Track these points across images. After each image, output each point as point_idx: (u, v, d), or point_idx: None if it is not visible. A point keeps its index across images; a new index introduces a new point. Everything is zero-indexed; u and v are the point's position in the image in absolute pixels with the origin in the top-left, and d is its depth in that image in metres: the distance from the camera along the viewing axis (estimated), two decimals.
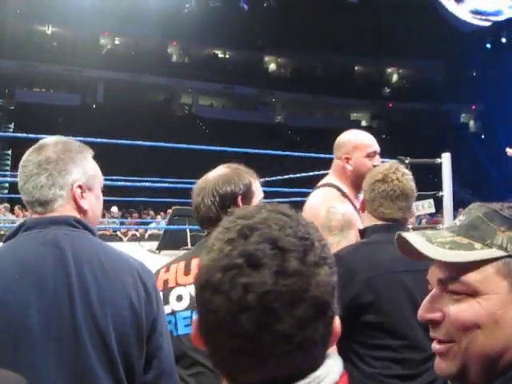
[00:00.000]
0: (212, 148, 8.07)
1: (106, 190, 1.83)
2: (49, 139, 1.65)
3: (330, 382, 0.79)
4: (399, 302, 2.08)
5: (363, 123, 39.71)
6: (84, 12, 29.61)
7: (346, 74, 38.79)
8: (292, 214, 0.83)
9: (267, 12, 33.09)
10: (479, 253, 0.91)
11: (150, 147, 12.16)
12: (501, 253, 0.90)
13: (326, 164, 5.61)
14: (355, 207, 2.78)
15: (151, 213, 17.98)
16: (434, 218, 14.66)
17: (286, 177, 7.31)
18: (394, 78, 41.59)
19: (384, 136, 29.42)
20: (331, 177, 2.98)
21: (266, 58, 39.36)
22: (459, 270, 0.91)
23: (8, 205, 14.52)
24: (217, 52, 38.19)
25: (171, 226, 9.76)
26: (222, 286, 0.76)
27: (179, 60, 36.81)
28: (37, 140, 1.67)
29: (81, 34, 31.94)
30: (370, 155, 2.88)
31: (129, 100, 32.42)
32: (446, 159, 4.43)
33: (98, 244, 1.56)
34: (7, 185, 20.39)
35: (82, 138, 3.06)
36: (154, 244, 11.22)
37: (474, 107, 38.76)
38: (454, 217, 4.22)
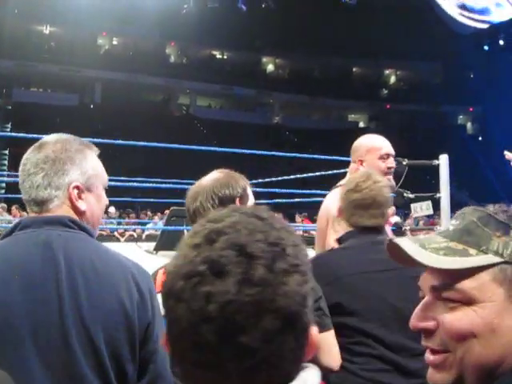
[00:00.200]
0: (209, 149, 8.05)
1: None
2: (50, 137, 1.62)
3: None
4: (370, 301, 2.15)
5: (361, 125, 39.75)
6: (82, 12, 29.55)
7: (343, 76, 38.80)
8: (267, 217, 0.79)
9: (265, 13, 33.05)
10: (475, 259, 0.87)
11: (147, 147, 12.14)
12: (497, 259, 0.87)
13: (324, 165, 5.63)
14: None
15: (148, 213, 17.98)
16: (431, 220, 14.68)
17: (283, 178, 7.30)
18: (392, 79, 41.62)
19: None
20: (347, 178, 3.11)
21: (264, 59, 39.36)
22: (454, 276, 0.88)
23: (5, 205, 14.48)
24: (215, 53, 38.18)
25: (168, 227, 9.75)
26: (183, 295, 0.72)
27: (177, 60, 36.78)
28: (34, 140, 1.64)
29: (79, 34, 31.90)
30: (382, 157, 3.03)
31: (126, 100, 32.39)
32: (443, 161, 4.43)
33: (92, 245, 1.52)
34: (4, 185, 20.32)
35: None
36: (152, 245, 11.20)
37: (471, 109, 38.81)
38: None
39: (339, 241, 2.40)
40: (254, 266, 0.71)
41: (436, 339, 0.89)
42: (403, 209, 8.08)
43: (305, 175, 6.56)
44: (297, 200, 7.66)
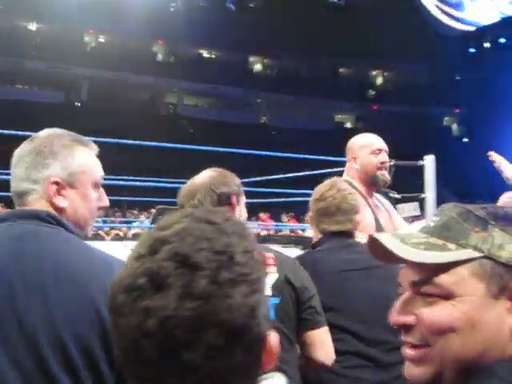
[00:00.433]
0: (196, 148, 8.04)
1: None
2: (44, 131, 1.60)
3: None
4: (347, 298, 2.22)
5: (348, 125, 39.85)
6: (69, 9, 29.32)
7: (331, 76, 38.86)
8: (220, 221, 0.75)
9: (254, 12, 33.07)
10: (454, 254, 0.88)
11: (133, 146, 12.09)
12: (476, 254, 0.87)
13: (310, 164, 5.63)
14: (367, 202, 3.03)
15: (135, 212, 17.88)
16: (416, 221, 14.73)
17: (271, 177, 7.30)
18: (379, 80, 41.74)
19: None
20: (345, 176, 3.20)
21: (252, 59, 39.31)
22: (433, 271, 0.88)
23: None
24: (203, 52, 38.07)
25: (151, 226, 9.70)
26: (124, 309, 0.70)
27: (165, 59, 36.62)
28: (20, 137, 1.64)
29: (65, 31, 31.62)
30: (374, 152, 3.11)
31: (113, 98, 32.19)
32: (428, 161, 4.45)
33: (69, 241, 1.47)
34: None
35: None
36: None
37: (457, 111, 39.03)
38: None
39: (313, 247, 2.51)
40: (196, 277, 0.68)
41: (416, 334, 0.89)
42: None
43: (292, 175, 6.58)
44: (283, 200, 7.66)
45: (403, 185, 3.39)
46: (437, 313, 0.87)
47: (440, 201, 4.30)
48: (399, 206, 4.38)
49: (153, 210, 11.76)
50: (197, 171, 2.24)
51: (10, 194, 1.55)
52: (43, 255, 1.39)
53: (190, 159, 17.81)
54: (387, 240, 0.92)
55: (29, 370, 1.29)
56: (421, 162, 4.48)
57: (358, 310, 2.21)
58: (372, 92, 40.54)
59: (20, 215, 1.47)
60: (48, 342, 1.31)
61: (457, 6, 29.26)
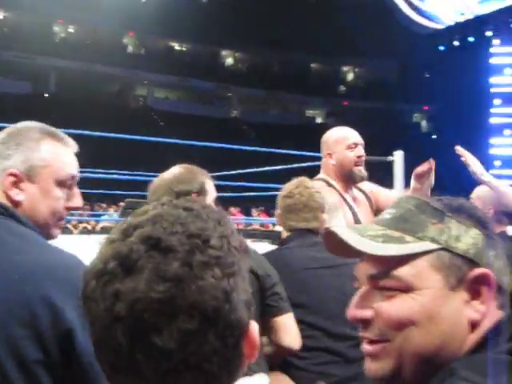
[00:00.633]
0: (166, 140, 7.98)
1: None
2: (19, 123, 1.53)
3: None
4: (315, 295, 2.25)
5: (318, 120, 40.03)
6: None
7: (302, 71, 38.99)
8: (196, 208, 0.73)
9: (226, 6, 32.94)
10: (412, 246, 0.87)
11: (103, 138, 11.96)
12: (433, 245, 0.86)
13: (281, 159, 5.64)
14: (344, 199, 3.00)
15: (103, 205, 17.69)
16: None
17: (241, 171, 7.29)
18: (350, 76, 42.02)
19: None
20: (321, 174, 3.14)
21: (224, 52, 39.20)
22: (391, 264, 0.86)
23: None
24: (174, 44, 37.82)
25: (123, 218, 9.62)
26: (95, 294, 0.68)
27: (135, 51, 36.30)
28: None
29: (34, 21, 31.09)
30: (350, 147, 3.04)
31: (82, 90, 31.75)
32: (398, 157, 4.50)
33: (15, 234, 1.37)
34: None
35: None
36: (106, 237, 11.02)
37: (426, 108, 39.52)
38: None
39: (281, 244, 2.53)
40: (167, 260, 0.66)
41: (374, 329, 0.88)
42: None
43: (263, 169, 6.58)
44: (253, 194, 7.66)
45: (373, 180, 3.41)
46: (396, 306, 0.85)
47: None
48: None
49: (122, 204, 11.65)
50: (167, 164, 2.23)
51: None
52: None
53: (160, 152, 17.72)
54: (344, 233, 0.90)
55: None
56: (390, 158, 4.52)
57: (325, 306, 2.24)
58: (343, 88, 40.79)
59: None
60: None
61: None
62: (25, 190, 1.45)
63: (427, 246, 0.87)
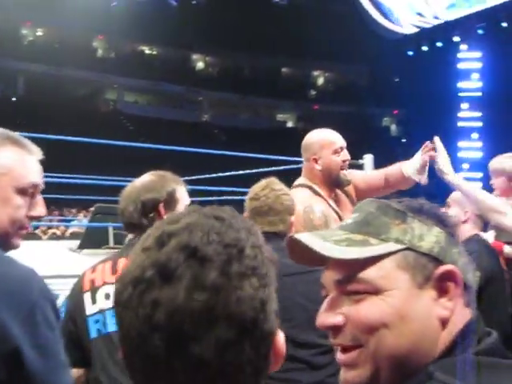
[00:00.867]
0: (136, 145, 7.93)
1: None
2: None
3: None
4: (282, 302, 2.21)
5: (289, 124, 40.20)
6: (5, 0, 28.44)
7: (273, 76, 39.12)
8: (227, 217, 0.74)
9: (196, 9, 32.91)
10: (377, 248, 0.86)
11: (72, 143, 11.82)
12: (398, 246, 0.86)
13: (252, 163, 5.65)
14: (329, 205, 2.91)
15: (73, 210, 17.49)
16: None
17: (212, 175, 7.27)
18: (320, 80, 42.29)
19: None
20: (302, 178, 3.06)
21: (194, 56, 39.12)
22: (357, 267, 0.86)
23: None
24: (144, 48, 37.62)
25: (93, 224, 9.52)
26: (131, 302, 0.67)
27: (105, 55, 36.00)
28: None
29: (1, 23, 30.61)
30: (337, 151, 2.97)
31: (51, 94, 31.38)
32: (367, 160, 4.54)
33: None
34: None
35: None
36: (76, 243, 10.88)
37: (395, 112, 39.97)
38: None
39: None
40: (205, 269, 0.66)
41: (346, 335, 0.87)
42: None
43: (233, 173, 6.58)
44: (224, 198, 7.65)
45: None
46: (366, 309, 0.85)
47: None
48: None
49: (92, 209, 11.51)
50: (137, 168, 2.22)
51: None
52: None
53: (130, 156, 17.57)
54: (308, 239, 0.89)
55: None
56: (360, 161, 4.56)
57: (292, 314, 2.18)
58: (313, 92, 41.03)
59: None
60: None
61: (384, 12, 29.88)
62: None
63: (392, 246, 0.86)
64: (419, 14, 29.17)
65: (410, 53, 34.04)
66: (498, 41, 28.21)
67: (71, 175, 7.78)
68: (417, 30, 29.67)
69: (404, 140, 37.76)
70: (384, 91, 35.47)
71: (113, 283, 1.94)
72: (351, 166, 4.62)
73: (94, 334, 1.95)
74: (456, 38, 31.01)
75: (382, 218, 0.90)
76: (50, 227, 13.18)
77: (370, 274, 0.85)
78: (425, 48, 32.50)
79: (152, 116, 33.59)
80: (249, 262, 0.70)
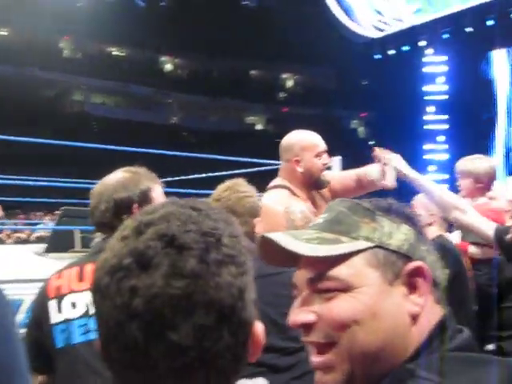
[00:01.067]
0: (102, 146, 7.84)
1: None
2: None
3: None
4: None
5: (258, 127, 40.26)
6: None
7: (242, 78, 39.16)
8: (204, 208, 0.75)
9: (164, 11, 32.76)
10: (347, 245, 0.88)
11: (38, 144, 11.64)
12: (368, 244, 0.88)
13: (221, 165, 5.64)
14: (307, 206, 2.87)
15: (38, 214, 17.25)
16: None
17: (181, 178, 7.24)
18: (289, 83, 42.46)
19: (278, 140, 29.89)
20: (280, 179, 3.04)
21: (163, 58, 38.93)
22: (328, 265, 0.87)
23: None
24: (111, 49, 37.28)
25: (59, 227, 9.38)
26: (108, 291, 0.67)
27: (71, 55, 35.56)
28: None
29: None
30: (319, 155, 2.97)
31: (16, 94, 30.85)
32: (335, 162, 4.58)
33: None
34: None
35: None
36: (41, 246, 10.72)
37: (363, 114, 40.37)
38: None
39: None
40: (183, 257, 0.67)
41: (319, 332, 0.87)
42: None
43: (201, 175, 6.56)
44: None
45: None
46: (337, 307, 0.86)
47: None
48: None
49: (58, 212, 11.36)
50: (105, 170, 2.16)
51: None
52: None
53: (97, 158, 17.40)
54: (280, 238, 0.90)
55: None
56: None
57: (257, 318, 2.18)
58: (282, 94, 41.19)
59: None
60: None
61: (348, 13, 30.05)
62: None
63: (362, 244, 0.88)
64: (378, 13, 29.37)
65: (378, 56, 34.38)
66: (463, 45, 28.70)
67: (37, 178, 7.65)
68: (380, 33, 29.95)
69: (372, 142, 38.17)
70: (352, 94, 35.80)
71: (80, 291, 1.90)
72: None
73: (60, 343, 1.89)
74: (422, 42, 31.36)
75: (352, 217, 0.91)
76: (15, 231, 12.95)
77: (340, 271, 0.87)
78: (392, 52, 32.83)
79: (120, 118, 33.31)
80: (227, 250, 0.70)
